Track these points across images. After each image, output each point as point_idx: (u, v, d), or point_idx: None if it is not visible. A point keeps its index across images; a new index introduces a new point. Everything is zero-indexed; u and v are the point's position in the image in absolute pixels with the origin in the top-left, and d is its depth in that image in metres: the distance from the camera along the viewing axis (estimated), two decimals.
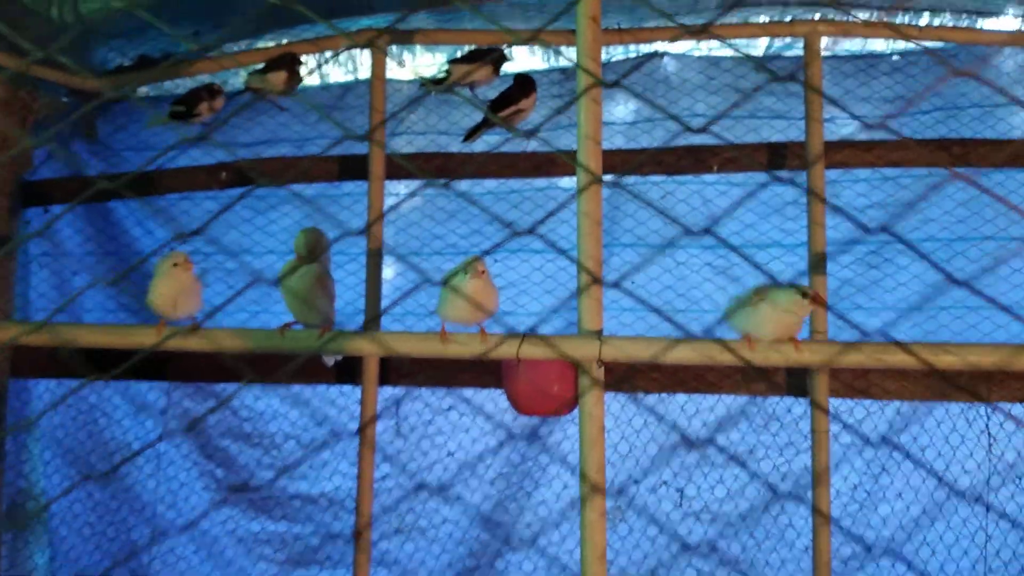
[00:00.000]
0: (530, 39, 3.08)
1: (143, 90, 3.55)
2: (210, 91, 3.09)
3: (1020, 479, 2.92)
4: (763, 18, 3.07)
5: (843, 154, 2.95)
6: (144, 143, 3.52)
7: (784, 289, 1.97)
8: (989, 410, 2.90)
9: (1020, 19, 3.00)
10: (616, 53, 3.30)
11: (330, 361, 2.73)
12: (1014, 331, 2.91)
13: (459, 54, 3.13)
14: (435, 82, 2.99)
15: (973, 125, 3.02)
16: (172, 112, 3.01)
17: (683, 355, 1.91)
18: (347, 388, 3.22)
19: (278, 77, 2.98)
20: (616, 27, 3.08)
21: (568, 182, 3.25)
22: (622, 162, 3.04)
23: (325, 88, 3.54)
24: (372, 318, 2.81)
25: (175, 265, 2.16)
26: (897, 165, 2.98)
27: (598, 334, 1.98)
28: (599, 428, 1.98)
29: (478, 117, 2.98)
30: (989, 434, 2.91)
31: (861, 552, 3.02)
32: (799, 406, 3.09)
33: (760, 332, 1.96)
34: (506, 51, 2.98)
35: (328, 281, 2.21)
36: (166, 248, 2.73)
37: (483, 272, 2.08)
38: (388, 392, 3.16)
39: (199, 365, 3.10)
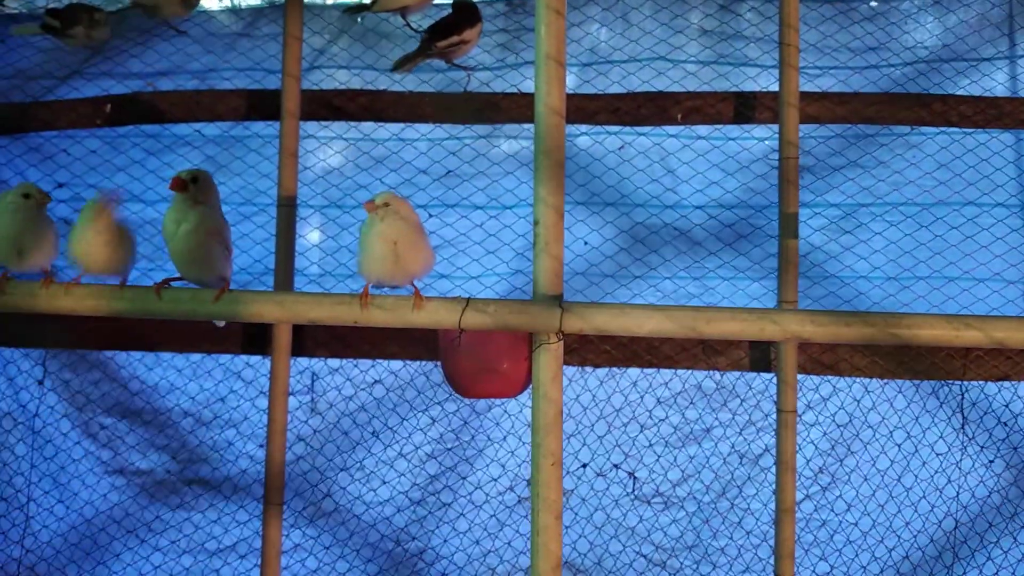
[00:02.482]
0: None
1: (12, 5, 3.03)
2: (90, 17, 2.63)
3: (992, 462, 2.72)
4: None
5: (815, 107, 2.69)
6: (14, 68, 2.99)
7: None
8: (963, 388, 2.69)
9: None
10: None
11: (220, 323, 2.32)
12: (994, 303, 2.70)
13: None
14: (360, 7, 2.59)
15: (957, 80, 2.77)
16: (45, 24, 2.54)
17: (662, 327, 1.58)
18: (255, 359, 2.84)
19: None
20: None
21: (514, 129, 2.89)
22: (575, 108, 2.70)
23: (234, 11, 3.07)
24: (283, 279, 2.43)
25: (25, 197, 1.71)
26: (873, 121, 2.73)
27: (558, 300, 1.63)
28: (557, 412, 1.64)
29: (410, 47, 2.59)
30: (962, 414, 2.70)
31: (824, 538, 2.79)
32: (760, 382, 2.83)
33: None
34: None
35: (223, 229, 1.79)
36: None
37: (385, 206, 1.69)
38: (303, 364, 2.85)
39: (81, 328, 2.66)
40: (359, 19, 2.96)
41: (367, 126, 2.93)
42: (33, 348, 3.00)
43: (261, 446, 2.77)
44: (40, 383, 3.05)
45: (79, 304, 1.66)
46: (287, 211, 2.51)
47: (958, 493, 2.72)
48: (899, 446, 2.73)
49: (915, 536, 2.74)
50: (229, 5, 3.08)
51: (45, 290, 1.67)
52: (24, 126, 2.89)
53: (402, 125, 2.89)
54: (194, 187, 1.75)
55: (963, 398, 2.70)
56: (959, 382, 2.64)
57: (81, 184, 2.96)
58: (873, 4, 2.93)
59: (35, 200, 1.73)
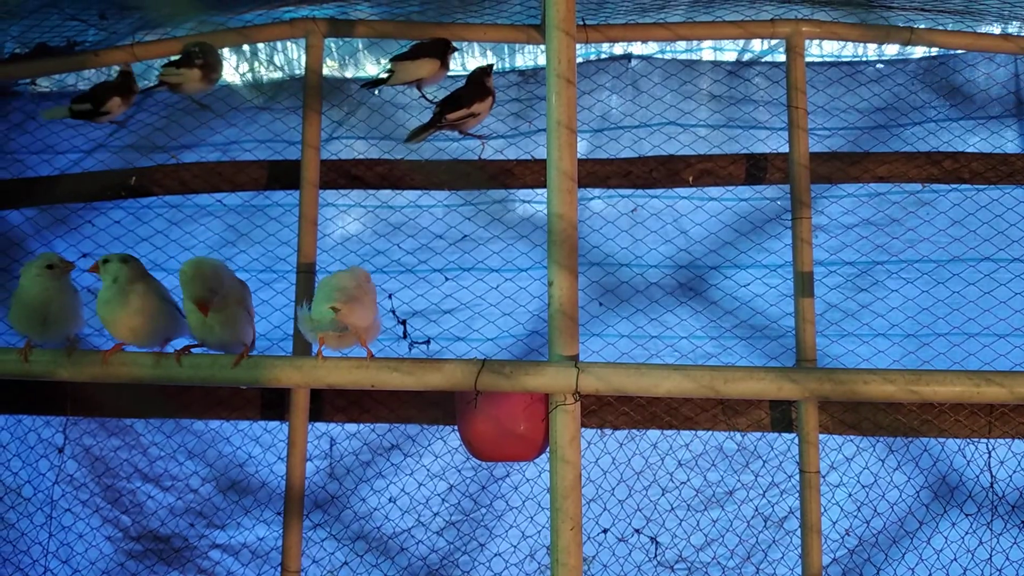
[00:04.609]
0: (488, 36, 2.80)
1: (44, 83, 3.13)
2: (123, 82, 2.69)
3: None
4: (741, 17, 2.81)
5: (826, 167, 2.71)
6: (44, 144, 3.08)
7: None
8: (990, 446, 2.64)
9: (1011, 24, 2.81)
10: (579, 54, 3.01)
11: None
12: (1016, 359, 2.67)
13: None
14: (377, 81, 2.66)
15: (966, 138, 2.79)
16: (75, 111, 2.59)
17: (681, 386, 1.58)
18: (273, 424, 2.83)
19: (192, 72, 2.60)
20: (581, 23, 2.79)
21: (528, 194, 2.93)
22: (587, 173, 2.74)
23: (256, 86, 3.16)
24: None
25: (49, 267, 1.74)
26: (884, 180, 2.74)
27: (574, 360, 1.64)
28: (576, 475, 1.63)
29: (425, 117, 2.65)
30: (990, 473, 2.65)
31: None
32: (782, 442, 2.79)
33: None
34: (454, 43, 2.65)
35: (245, 296, 1.82)
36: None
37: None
38: (321, 429, 2.84)
39: (101, 396, 2.68)
40: (376, 92, 3.04)
41: (385, 194, 2.98)
42: (54, 416, 3.02)
43: (279, 513, 2.74)
44: (60, 451, 3.06)
45: (102, 372, 1.68)
46: (306, 277, 2.53)
47: (991, 555, 2.65)
48: (927, 506, 2.67)
49: None
50: (251, 80, 3.18)
51: (68, 358, 1.70)
52: (51, 198, 2.96)
53: (419, 192, 2.94)
54: (223, 291, 1.77)
55: (990, 456, 2.65)
56: (985, 440, 2.60)
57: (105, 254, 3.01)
58: (879, 67, 2.98)
59: (59, 270, 1.76)
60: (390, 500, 2.88)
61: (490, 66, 2.64)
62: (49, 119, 2.87)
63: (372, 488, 2.88)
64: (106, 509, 3.09)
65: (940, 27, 2.80)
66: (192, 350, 1.76)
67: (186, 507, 3.04)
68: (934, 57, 2.97)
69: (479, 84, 2.61)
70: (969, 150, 2.81)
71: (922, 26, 2.77)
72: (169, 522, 3.04)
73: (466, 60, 3.17)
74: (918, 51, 2.98)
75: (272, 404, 2.65)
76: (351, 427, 2.85)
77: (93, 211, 3.06)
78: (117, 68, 2.91)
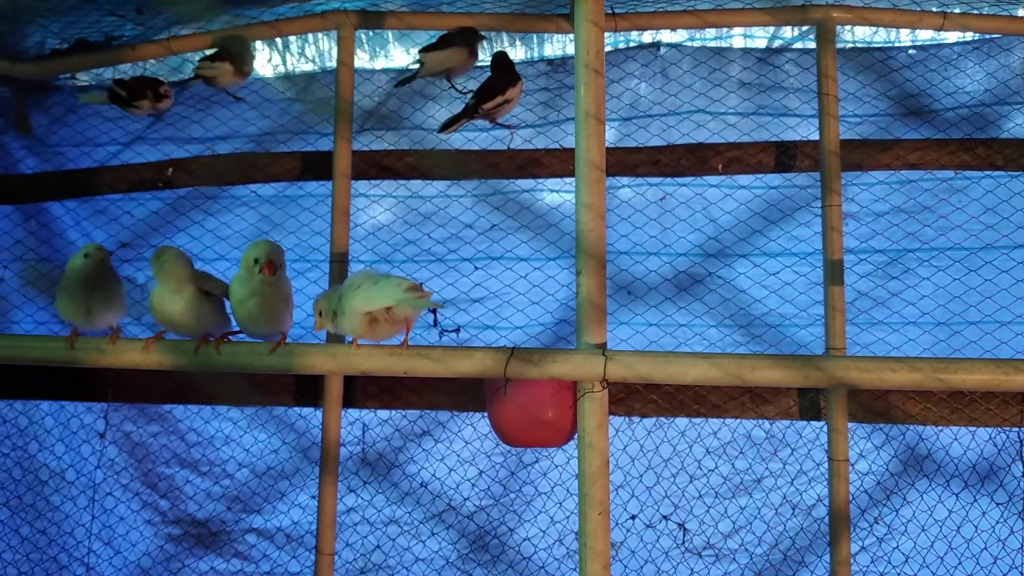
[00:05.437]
0: (516, 25, 2.81)
1: (83, 77, 3.20)
2: (155, 91, 2.75)
3: None
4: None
5: (857, 154, 2.69)
6: (84, 137, 3.16)
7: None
8: (1021, 435, 2.61)
9: None
10: (608, 42, 3.01)
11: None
12: None
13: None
14: (408, 79, 2.68)
15: (1001, 124, 2.76)
16: (112, 93, 2.67)
17: (707, 374, 1.59)
18: (307, 410, 2.88)
19: (224, 66, 2.66)
20: (609, 12, 2.79)
21: (556, 183, 2.95)
22: (616, 161, 2.75)
23: (288, 78, 3.21)
24: None
25: (86, 257, 1.79)
26: (916, 167, 2.72)
27: (602, 348, 1.66)
28: (603, 461, 1.66)
29: (455, 107, 2.67)
30: (1022, 461, 2.63)
31: None
32: (810, 431, 2.79)
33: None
34: (481, 32, 2.66)
35: (289, 289, 1.85)
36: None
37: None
38: (353, 415, 2.89)
39: (141, 383, 2.75)
40: (409, 85, 3.08)
41: (415, 184, 3.01)
42: (95, 402, 3.10)
43: (313, 497, 2.79)
44: (101, 436, 3.14)
45: (144, 359, 1.74)
46: (339, 267, 2.57)
47: (1022, 544, 2.63)
48: (957, 495, 2.66)
49: None
50: (283, 72, 3.22)
51: (111, 346, 1.76)
52: (91, 190, 3.03)
53: (448, 182, 2.97)
54: (280, 271, 1.82)
55: (1022, 445, 2.63)
56: (1017, 428, 2.57)
57: (144, 244, 3.09)
58: (912, 52, 2.94)
59: (94, 258, 1.81)
60: (422, 485, 2.93)
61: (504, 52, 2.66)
62: (88, 103, 2.95)
63: (404, 473, 2.93)
64: (145, 493, 3.17)
65: (975, 11, 2.76)
66: (230, 338, 1.81)
67: (223, 492, 3.11)
68: (968, 42, 2.92)
69: (507, 70, 2.63)
70: (1003, 136, 2.77)
71: (956, 10, 2.73)
72: (206, 506, 3.11)
73: (495, 50, 3.18)
74: (952, 36, 2.94)
75: (306, 391, 2.71)
76: (383, 414, 2.90)
77: (131, 202, 3.14)
78: (153, 62, 2.99)
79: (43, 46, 3.11)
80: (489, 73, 2.64)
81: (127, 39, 3.01)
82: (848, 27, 2.93)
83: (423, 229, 3.00)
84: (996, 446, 2.69)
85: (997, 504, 2.64)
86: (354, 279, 1.78)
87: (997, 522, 2.64)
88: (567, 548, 2.87)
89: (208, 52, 2.73)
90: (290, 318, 1.89)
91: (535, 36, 3.11)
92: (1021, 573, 2.63)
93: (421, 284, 1.72)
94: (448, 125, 2.59)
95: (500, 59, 2.62)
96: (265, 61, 3.21)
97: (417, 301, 1.68)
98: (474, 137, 2.93)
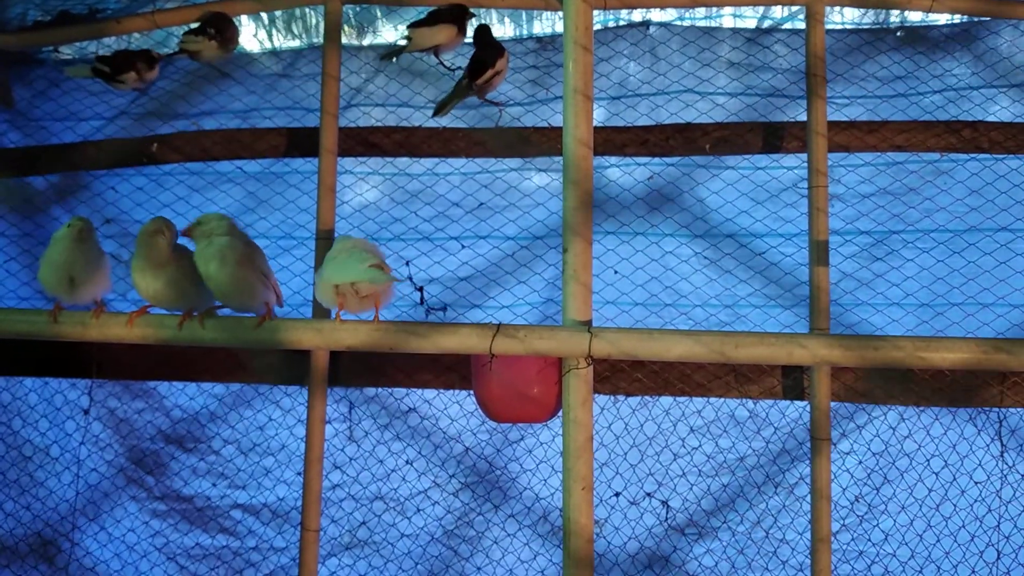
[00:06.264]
0: (505, 2, 2.79)
1: (66, 51, 3.16)
2: (146, 59, 2.71)
3: None
4: None
5: (844, 136, 2.70)
6: (67, 111, 3.12)
7: None
8: (1001, 415, 2.65)
9: None
10: (597, 20, 3.00)
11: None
12: None
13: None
14: (394, 52, 2.66)
15: (987, 106, 2.77)
16: (95, 68, 2.63)
17: (691, 351, 1.60)
18: (293, 388, 2.88)
19: (210, 41, 2.63)
20: None
21: (544, 161, 2.94)
22: (604, 141, 2.75)
23: (274, 53, 3.18)
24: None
25: (69, 227, 1.78)
26: (902, 149, 2.73)
27: (587, 325, 1.67)
28: (587, 437, 1.67)
29: (443, 84, 2.65)
30: (1001, 442, 2.66)
31: (861, 569, 2.76)
32: (793, 410, 2.81)
33: None
34: (471, 8, 2.64)
35: (254, 255, 1.83)
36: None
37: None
38: (339, 393, 2.88)
39: (126, 359, 2.74)
40: (395, 59, 3.05)
41: (402, 161, 3.00)
42: (80, 378, 3.08)
43: (299, 474, 2.80)
44: (86, 412, 3.13)
45: (128, 333, 1.73)
46: (325, 244, 2.55)
47: (999, 522, 2.67)
48: (937, 475, 2.70)
49: (955, 567, 2.69)
50: (270, 47, 3.19)
51: (95, 320, 1.75)
52: (74, 164, 3.00)
53: (436, 160, 2.96)
54: (198, 228, 1.82)
55: (1001, 425, 2.66)
56: (997, 409, 2.61)
57: (128, 220, 3.06)
58: (900, 34, 2.95)
59: (76, 228, 1.79)
60: (407, 462, 2.94)
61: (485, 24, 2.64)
62: (72, 76, 2.91)
63: (390, 450, 2.94)
64: (130, 469, 3.17)
65: None
66: (216, 311, 1.80)
67: (208, 468, 3.11)
68: (956, 24, 2.93)
69: (490, 42, 2.60)
70: (989, 119, 2.78)
71: None
72: (192, 482, 3.11)
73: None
74: (941, 18, 2.94)
75: (292, 367, 2.70)
76: (369, 391, 2.90)
77: (116, 177, 3.11)
78: (138, 36, 2.95)
79: (25, 18, 3.06)
80: (473, 49, 2.62)
81: (111, 12, 2.97)
82: (837, 8, 2.93)
83: (410, 207, 2.99)
84: (976, 426, 2.72)
85: (976, 483, 2.68)
86: (339, 246, 1.79)
87: (975, 501, 2.68)
88: (552, 524, 2.89)
89: (193, 26, 2.70)
90: (269, 290, 1.88)
91: (524, 13, 3.10)
92: (997, 551, 2.67)
93: (384, 259, 1.73)
94: (443, 107, 2.56)
95: (482, 32, 2.60)
96: (251, 36, 3.18)
97: (377, 277, 1.70)
98: (462, 115, 2.91)
